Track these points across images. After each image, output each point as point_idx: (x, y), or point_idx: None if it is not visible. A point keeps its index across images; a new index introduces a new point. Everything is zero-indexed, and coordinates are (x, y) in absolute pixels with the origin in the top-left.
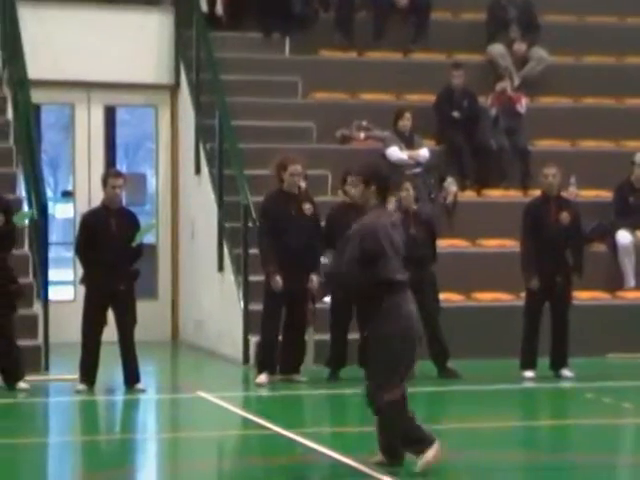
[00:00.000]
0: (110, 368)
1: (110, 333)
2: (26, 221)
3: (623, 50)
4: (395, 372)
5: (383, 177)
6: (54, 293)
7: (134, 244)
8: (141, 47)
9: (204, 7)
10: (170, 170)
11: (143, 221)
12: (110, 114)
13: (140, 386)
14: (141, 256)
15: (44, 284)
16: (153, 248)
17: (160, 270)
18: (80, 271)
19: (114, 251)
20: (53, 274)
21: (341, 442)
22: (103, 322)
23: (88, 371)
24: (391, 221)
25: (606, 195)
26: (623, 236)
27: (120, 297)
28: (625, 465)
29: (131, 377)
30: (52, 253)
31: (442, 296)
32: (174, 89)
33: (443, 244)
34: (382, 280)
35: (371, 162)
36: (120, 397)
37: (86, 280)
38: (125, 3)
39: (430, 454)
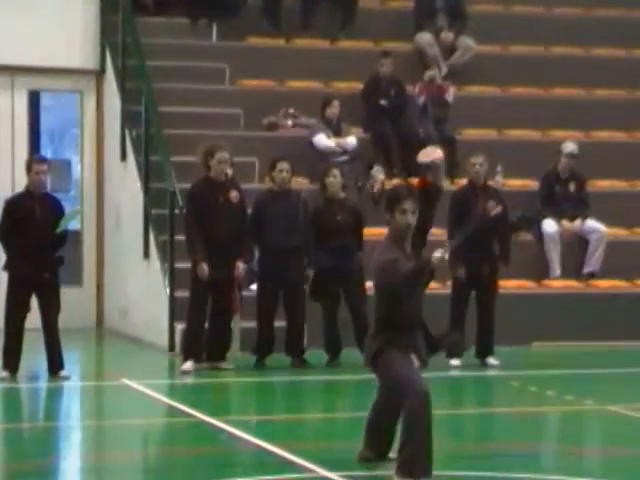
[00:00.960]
0: (33, 355)
1: (34, 320)
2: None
3: (550, 40)
4: None
5: None
6: None
7: (58, 230)
8: (66, 32)
9: None
10: (95, 156)
11: (68, 207)
12: (34, 99)
13: (64, 373)
14: (65, 243)
15: None
16: (78, 235)
17: (85, 257)
18: (3, 257)
19: (38, 237)
20: None
21: (267, 430)
22: (26, 309)
23: (10, 358)
24: None
25: (532, 184)
26: (549, 225)
27: (44, 284)
28: (549, 452)
29: (55, 365)
30: None
31: (369, 285)
32: (99, 75)
33: (369, 233)
34: None
35: None
36: (43, 384)
37: (9, 266)
38: None
39: None
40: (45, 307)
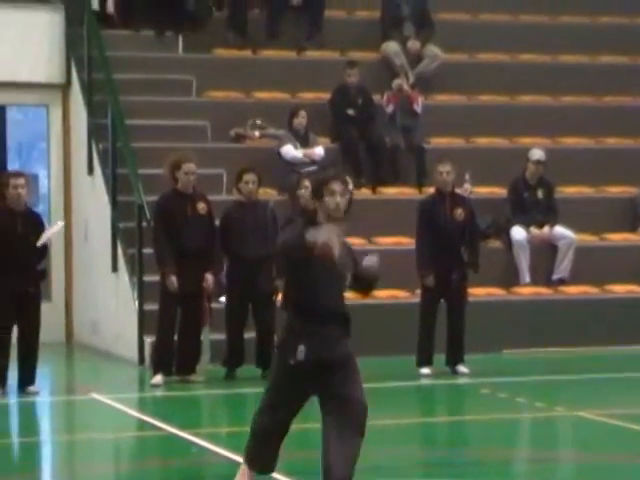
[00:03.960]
0: None
1: None
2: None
3: (516, 48)
4: None
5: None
6: None
7: (39, 244)
8: (31, 45)
9: (95, 5)
10: (63, 170)
11: (48, 223)
12: (0, 114)
13: (33, 388)
14: (46, 255)
15: None
16: (45, 248)
17: (54, 271)
18: None
19: (21, 253)
20: None
21: (237, 442)
22: (12, 324)
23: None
24: None
25: (501, 192)
26: (518, 232)
27: (28, 299)
28: (519, 459)
29: (26, 379)
30: None
31: None
32: (65, 88)
33: None
34: None
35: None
36: (13, 400)
37: None
38: (13, 1)
39: None
40: (27, 322)
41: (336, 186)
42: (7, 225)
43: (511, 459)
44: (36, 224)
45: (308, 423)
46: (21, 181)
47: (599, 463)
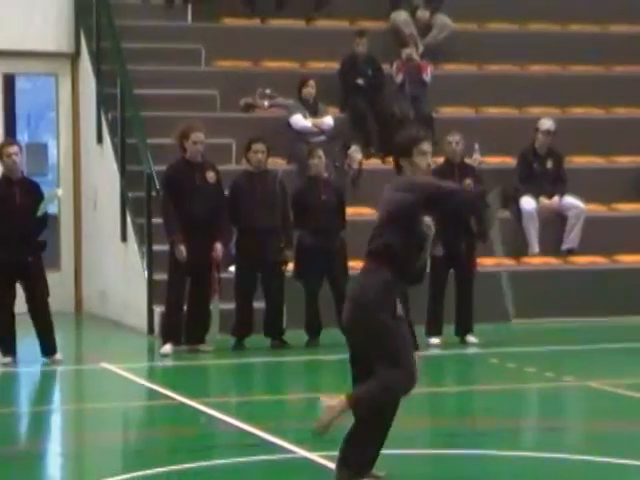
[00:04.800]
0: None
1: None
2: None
3: (526, 17)
4: None
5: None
6: None
7: (39, 214)
8: (40, 14)
9: None
10: (72, 139)
11: (46, 191)
12: (9, 83)
13: (58, 356)
14: (46, 227)
15: None
16: (55, 218)
17: (62, 240)
18: None
19: (19, 223)
20: None
21: (247, 411)
22: (13, 295)
23: (9, 344)
24: None
25: (510, 162)
26: (527, 202)
27: (29, 269)
28: (528, 429)
29: (49, 347)
30: None
31: (351, 265)
32: (74, 57)
33: (348, 212)
34: None
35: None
36: (23, 369)
37: None
38: None
39: None
40: (32, 292)
41: (427, 146)
42: (4, 194)
43: (520, 429)
44: (34, 193)
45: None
46: (14, 149)
47: (610, 432)
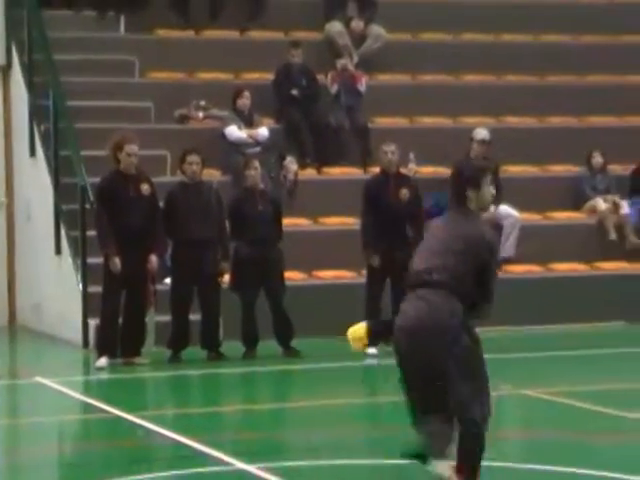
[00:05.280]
0: None
1: None
2: None
3: (459, 27)
4: None
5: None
6: None
7: None
8: None
9: None
10: (4, 152)
11: None
12: None
13: None
14: None
15: None
16: None
17: None
18: None
19: None
20: None
21: (183, 423)
22: None
23: None
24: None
25: (445, 171)
26: None
27: None
28: None
29: None
30: None
31: (288, 276)
32: (6, 70)
33: (285, 223)
34: None
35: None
36: None
37: None
38: None
39: None
40: None
41: (491, 176)
42: None
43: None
44: None
45: (252, 405)
46: None
47: (547, 440)
